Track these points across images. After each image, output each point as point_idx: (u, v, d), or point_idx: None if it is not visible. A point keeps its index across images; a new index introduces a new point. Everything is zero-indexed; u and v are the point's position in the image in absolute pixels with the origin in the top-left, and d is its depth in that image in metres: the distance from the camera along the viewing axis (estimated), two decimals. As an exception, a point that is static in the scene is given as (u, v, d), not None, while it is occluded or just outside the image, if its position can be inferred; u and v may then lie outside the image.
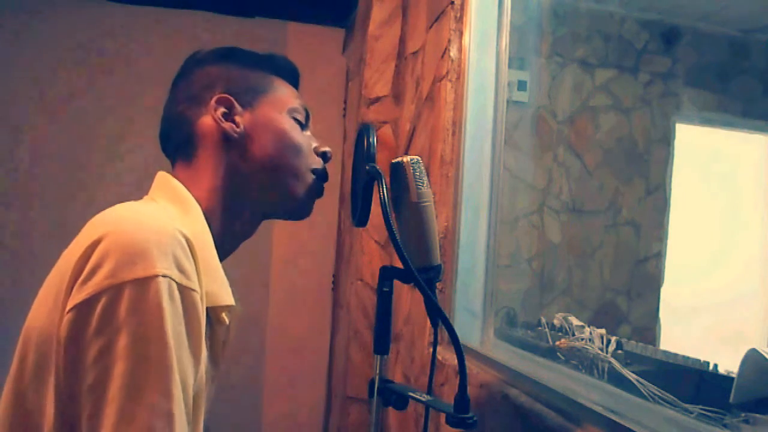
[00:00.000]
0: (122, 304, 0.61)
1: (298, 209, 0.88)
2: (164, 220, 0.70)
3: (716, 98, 2.82)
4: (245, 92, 0.85)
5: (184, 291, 0.65)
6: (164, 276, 0.63)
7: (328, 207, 2.71)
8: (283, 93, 0.88)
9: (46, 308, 0.66)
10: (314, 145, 0.90)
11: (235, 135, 0.82)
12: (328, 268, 2.75)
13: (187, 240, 0.68)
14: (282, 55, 0.93)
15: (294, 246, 2.73)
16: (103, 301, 0.61)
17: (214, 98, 0.83)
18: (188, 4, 2.52)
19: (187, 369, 0.65)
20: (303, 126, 0.89)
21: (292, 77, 0.93)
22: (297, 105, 0.88)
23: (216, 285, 0.74)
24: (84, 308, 0.62)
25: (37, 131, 2.53)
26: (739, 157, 2.85)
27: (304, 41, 2.71)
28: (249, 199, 0.84)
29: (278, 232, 2.71)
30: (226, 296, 0.76)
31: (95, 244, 0.64)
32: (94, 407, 0.60)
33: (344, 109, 2.71)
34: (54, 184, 2.52)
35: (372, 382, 0.87)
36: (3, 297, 2.40)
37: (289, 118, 0.87)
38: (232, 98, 0.83)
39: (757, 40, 2.82)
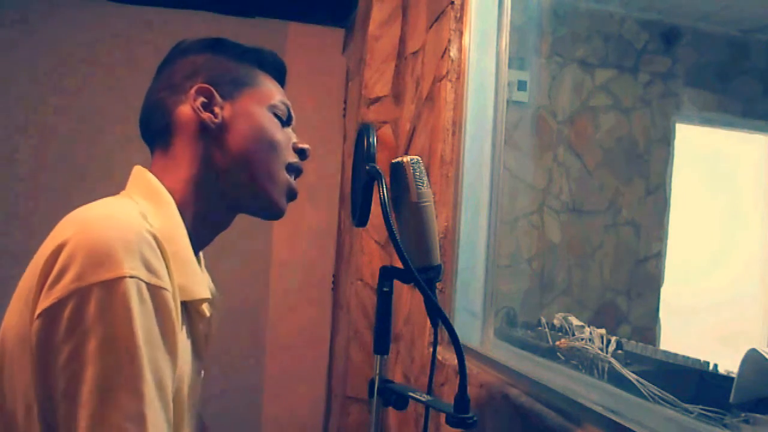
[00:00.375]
0: (89, 307, 0.61)
1: (270, 207, 0.86)
2: (132, 219, 0.69)
3: (716, 98, 2.82)
4: (227, 83, 0.84)
5: (154, 290, 0.65)
6: (132, 277, 0.62)
7: (328, 207, 2.71)
8: (266, 88, 0.87)
9: (18, 309, 0.66)
10: (293, 140, 0.89)
11: (213, 126, 0.81)
12: (328, 268, 2.75)
13: (155, 238, 0.67)
14: (269, 49, 0.91)
15: (294, 246, 2.73)
16: (70, 305, 0.61)
17: (194, 88, 0.82)
18: (188, 4, 2.52)
19: (163, 368, 0.64)
20: (284, 123, 0.88)
21: (278, 73, 0.91)
22: (278, 101, 0.87)
23: (189, 279, 0.74)
24: (52, 313, 0.61)
25: (38, 131, 2.53)
26: (739, 157, 2.85)
27: (304, 41, 2.71)
28: (223, 192, 0.83)
29: (278, 232, 2.71)
30: (200, 290, 0.76)
31: (61, 247, 0.64)
32: (68, 411, 0.60)
33: (344, 109, 2.71)
34: (55, 184, 2.52)
35: (372, 382, 0.87)
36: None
37: (270, 114, 0.86)
38: (212, 88, 0.82)
39: (757, 40, 2.82)
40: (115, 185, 0.87)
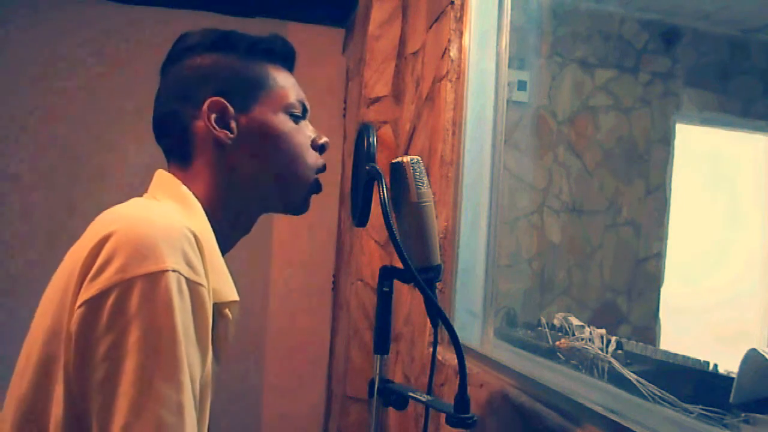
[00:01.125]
0: (133, 298, 0.62)
1: (297, 206, 0.87)
2: (171, 216, 0.70)
3: (716, 98, 2.82)
4: (239, 91, 0.83)
5: (193, 286, 0.66)
6: (174, 271, 0.63)
7: (328, 207, 2.71)
8: (278, 87, 0.85)
9: (53, 307, 0.66)
10: (311, 136, 0.88)
11: (229, 142, 0.81)
12: (328, 268, 2.75)
13: (195, 236, 0.68)
14: (276, 36, 0.88)
15: (294, 246, 2.73)
16: (113, 295, 0.62)
17: (207, 103, 0.81)
18: (188, 4, 2.52)
19: (195, 363, 0.65)
20: (300, 118, 0.87)
21: (288, 61, 0.90)
22: (293, 100, 0.86)
23: (221, 281, 0.75)
24: (94, 303, 0.62)
25: (38, 131, 2.53)
26: (739, 157, 2.85)
27: (304, 41, 2.70)
28: (247, 199, 0.84)
29: (278, 232, 2.71)
30: (230, 292, 0.76)
31: (104, 240, 0.64)
32: (105, 401, 0.61)
33: (344, 109, 2.72)
34: (55, 183, 2.52)
35: (372, 382, 0.87)
36: (5, 302, 2.41)
37: (286, 117, 0.85)
38: (224, 101, 0.81)
39: (757, 40, 2.82)
40: (116, 185, 0.87)
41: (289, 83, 0.87)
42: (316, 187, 0.88)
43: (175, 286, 0.63)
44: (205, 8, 2.55)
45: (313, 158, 0.87)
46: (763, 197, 2.83)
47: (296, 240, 2.73)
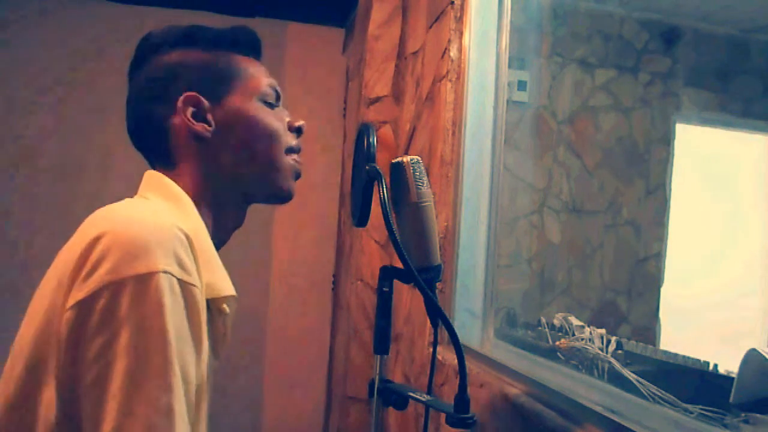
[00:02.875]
0: (124, 300, 0.61)
1: (280, 192, 0.87)
2: (163, 217, 0.70)
3: (716, 98, 2.82)
4: (210, 83, 0.82)
5: (185, 286, 0.65)
6: (165, 272, 0.63)
7: (328, 207, 2.71)
8: (249, 76, 0.85)
9: (42, 308, 0.66)
10: (287, 120, 0.88)
11: (208, 135, 0.81)
12: (328, 268, 2.75)
13: (186, 236, 0.68)
14: (240, 27, 0.88)
15: (294, 246, 2.73)
16: (104, 297, 0.62)
17: (181, 98, 0.80)
18: (188, 4, 2.52)
19: (189, 363, 0.65)
20: (274, 105, 0.87)
21: (254, 50, 0.89)
22: (265, 87, 0.85)
23: (216, 276, 0.75)
24: (85, 305, 0.62)
25: (37, 131, 2.53)
26: (739, 157, 2.85)
27: (304, 41, 2.71)
28: (231, 188, 0.84)
29: (278, 232, 2.71)
30: (226, 287, 0.76)
31: (95, 241, 0.64)
32: (96, 404, 0.60)
33: (344, 109, 2.72)
34: (53, 184, 2.52)
35: (372, 382, 0.87)
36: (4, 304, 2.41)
37: (260, 104, 0.85)
38: (198, 95, 0.81)
39: (757, 40, 2.82)
40: (115, 185, 0.87)
41: (259, 71, 0.87)
42: (295, 170, 0.87)
43: (166, 287, 0.63)
44: (205, 8, 2.55)
45: (290, 139, 0.87)
46: (763, 197, 2.83)
47: (296, 240, 2.73)
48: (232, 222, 0.86)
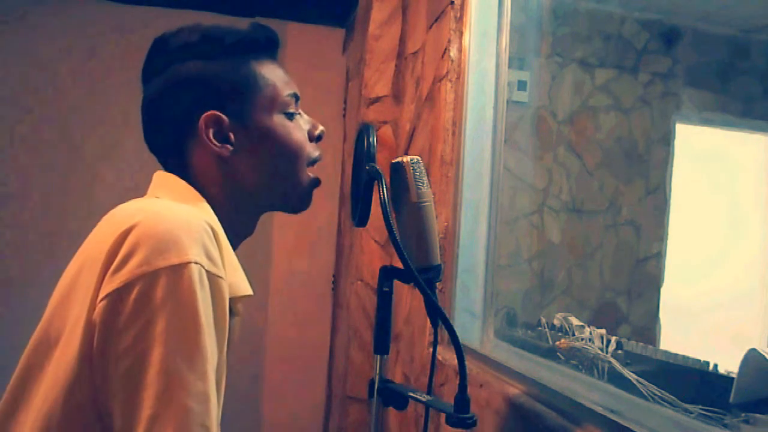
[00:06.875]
0: (158, 290, 0.62)
1: (299, 207, 0.87)
2: (189, 210, 0.71)
3: (716, 98, 2.82)
4: (231, 99, 0.80)
5: (213, 278, 0.66)
6: (196, 263, 0.64)
7: (328, 207, 2.71)
8: (268, 86, 0.82)
9: (70, 303, 0.67)
10: (307, 128, 0.87)
11: (229, 154, 0.80)
12: (328, 268, 2.75)
13: (213, 229, 0.69)
14: (257, 27, 0.85)
15: (294, 246, 2.73)
16: (137, 287, 0.62)
17: (202, 119, 0.78)
18: (188, 4, 2.52)
19: (213, 353, 0.66)
20: (294, 114, 0.85)
21: (272, 51, 0.87)
22: (284, 96, 0.83)
23: (236, 275, 0.75)
24: (118, 295, 0.63)
25: (36, 131, 2.53)
26: (739, 157, 2.84)
27: (304, 41, 2.71)
28: (251, 204, 0.84)
29: (278, 232, 2.71)
30: (245, 286, 0.77)
31: (126, 233, 0.65)
32: (131, 392, 0.61)
33: (344, 109, 2.71)
34: (50, 184, 2.52)
35: (372, 382, 0.87)
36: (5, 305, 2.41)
37: (281, 117, 0.83)
38: (219, 114, 0.79)
39: (757, 40, 2.82)
40: (113, 186, 0.87)
41: (278, 77, 0.84)
42: (316, 182, 0.87)
43: (197, 277, 0.64)
44: (205, 8, 2.55)
45: (312, 151, 0.87)
46: (763, 197, 2.83)
47: (296, 240, 2.73)
48: (244, 230, 0.86)
